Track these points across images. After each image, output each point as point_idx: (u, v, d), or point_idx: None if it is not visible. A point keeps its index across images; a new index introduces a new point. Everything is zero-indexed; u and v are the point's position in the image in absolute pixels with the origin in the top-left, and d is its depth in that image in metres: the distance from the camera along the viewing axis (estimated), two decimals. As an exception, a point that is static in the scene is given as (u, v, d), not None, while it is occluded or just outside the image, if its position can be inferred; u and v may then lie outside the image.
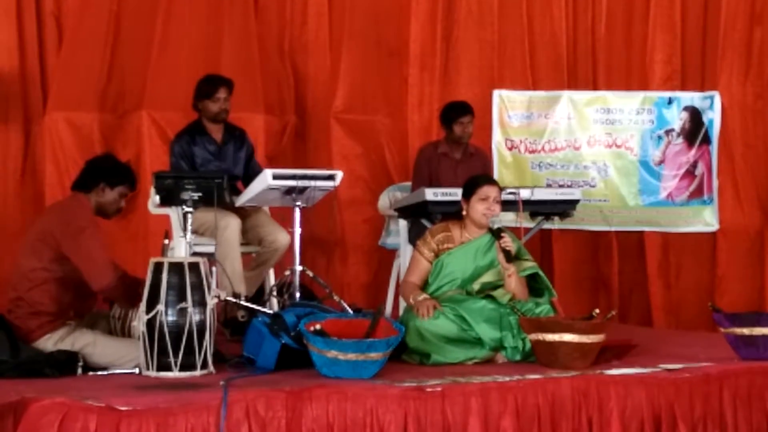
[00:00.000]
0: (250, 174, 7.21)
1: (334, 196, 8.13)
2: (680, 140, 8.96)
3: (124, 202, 5.79)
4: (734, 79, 9.19)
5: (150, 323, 5.16)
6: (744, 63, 9.23)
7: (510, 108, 9.00)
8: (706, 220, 8.94)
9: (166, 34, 8.22)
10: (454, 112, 7.92)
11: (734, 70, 9.20)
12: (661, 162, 8.95)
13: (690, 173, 8.94)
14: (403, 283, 6.23)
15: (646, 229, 9.02)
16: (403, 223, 7.65)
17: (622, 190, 8.93)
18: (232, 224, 6.84)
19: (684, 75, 9.30)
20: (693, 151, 8.94)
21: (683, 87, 9.21)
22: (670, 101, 8.97)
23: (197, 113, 7.31)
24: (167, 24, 8.22)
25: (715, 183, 8.92)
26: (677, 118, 8.99)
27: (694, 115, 8.98)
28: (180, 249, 6.45)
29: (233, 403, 4.49)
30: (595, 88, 9.19)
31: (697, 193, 8.94)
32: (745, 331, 5.73)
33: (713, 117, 8.97)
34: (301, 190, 6.72)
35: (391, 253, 8.11)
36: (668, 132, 8.98)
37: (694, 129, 8.97)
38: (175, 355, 5.15)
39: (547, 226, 7.78)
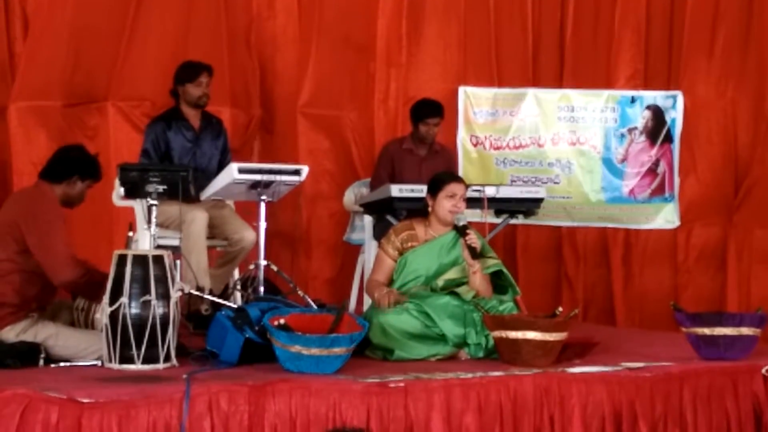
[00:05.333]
0: (223, 167, 7.15)
1: (300, 190, 8.12)
2: (643, 138, 9.02)
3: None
4: (698, 79, 9.26)
5: (113, 315, 5.14)
6: (707, 62, 9.29)
7: (475, 104, 9.02)
8: (667, 217, 9.01)
9: (135, 25, 8.15)
10: (424, 110, 7.89)
11: (698, 69, 9.27)
12: (624, 160, 9.01)
13: (652, 171, 9.01)
14: (368, 281, 6.25)
15: (608, 225, 9.07)
16: (368, 219, 7.65)
17: (584, 187, 8.98)
18: (199, 218, 6.80)
19: (648, 74, 9.34)
20: (655, 150, 9.01)
21: (647, 86, 9.25)
22: (633, 100, 9.03)
23: (174, 100, 7.27)
24: (137, 15, 8.16)
25: (677, 181, 8.99)
26: (640, 117, 9.05)
27: (657, 113, 9.05)
28: (144, 241, 6.43)
29: (196, 396, 4.50)
30: (561, 85, 9.22)
31: (659, 190, 9.01)
32: (706, 330, 5.78)
33: (675, 116, 9.03)
34: (267, 185, 6.70)
35: (356, 249, 8.11)
36: (631, 130, 9.03)
37: (657, 127, 9.03)
38: (138, 348, 5.13)
39: (510, 222, 7.80)
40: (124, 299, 5.13)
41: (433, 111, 7.88)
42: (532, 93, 9.01)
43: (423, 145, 7.93)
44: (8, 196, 6.24)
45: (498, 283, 6.17)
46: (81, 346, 5.41)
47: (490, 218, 7.29)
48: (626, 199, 9.00)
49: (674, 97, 9.05)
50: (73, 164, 5.66)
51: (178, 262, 6.45)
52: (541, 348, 5.42)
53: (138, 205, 6.77)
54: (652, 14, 9.34)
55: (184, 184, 6.18)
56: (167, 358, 5.22)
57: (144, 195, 6.22)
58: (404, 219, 6.62)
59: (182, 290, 5.50)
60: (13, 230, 5.42)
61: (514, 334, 5.43)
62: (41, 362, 5.29)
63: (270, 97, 8.75)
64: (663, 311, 7.94)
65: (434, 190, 6.14)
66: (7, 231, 5.44)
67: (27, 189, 5.83)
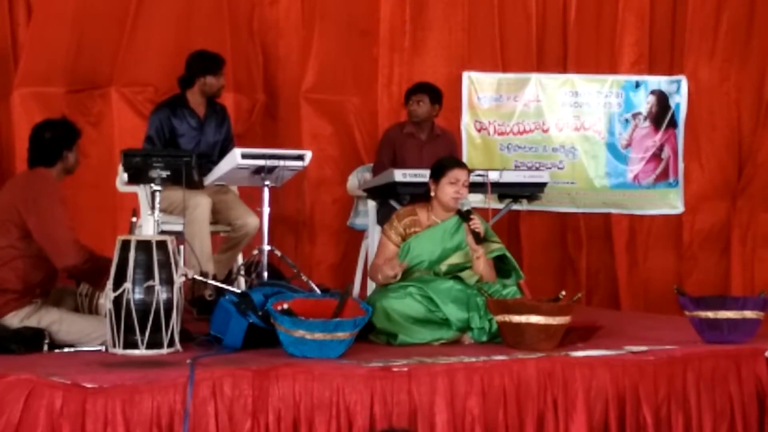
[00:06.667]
0: (226, 153, 7.14)
1: (303, 176, 8.12)
2: (647, 123, 9.02)
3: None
4: (701, 63, 9.23)
5: (117, 301, 5.15)
6: (711, 47, 9.26)
7: (479, 90, 9.02)
8: (671, 202, 9.02)
9: (138, 11, 8.15)
10: (410, 89, 7.93)
11: (701, 53, 9.23)
12: (628, 145, 9.01)
13: (656, 156, 9.00)
14: (372, 266, 6.24)
15: (613, 211, 9.06)
16: (371, 204, 7.65)
17: (589, 173, 8.98)
18: (202, 203, 6.81)
19: (652, 58, 9.31)
20: (659, 135, 9.00)
21: (651, 70, 9.23)
22: (637, 85, 9.02)
23: (180, 86, 7.26)
24: (140, 1, 8.16)
25: (681, 166, 8.98)
26: (644, 102, 9.04)
27: (661, 98, 9.04)
28: (148, 227, 6.42)
29: (200, 381, 4.50)
30: (565, 70, 9.20)
31: (663, 176, 9.00)
32: (710, 314, 5.77)
33: (680, 101, 9.03)
34: (270, 170, 6.70)
35: (360, 234, 8.11)
36: (635, 115, 9.03)
37: (661, 112, 9.03)
38: (142, 333, 5.14)
39: (514, 207, 7.80)
40: (127, 285, 5.14)
41: (417, 88, 7.90)
42: (536, 78, 9.01)
43: (423, 129, 7.91)
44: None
45: (501, 267, 6.17)
46: (85, 332, 5.42)
47: (493, 203, 7.30)
48: (630, 184, 9.00)
49: (678, 82, 9.04)
50: (55, 144, 5.66)
51: (181, 247, 6.44)
52: (544, 332, 5.43)
53: (141, 191, 6.78)
54: (655, -3, 9.33)
55: (187, 170, 6.18)
56: (171, 344, 5.23)
57: (147, 181, 6.23)
58: (407, 204, 6.62)
59: (186, 275, 5.49)
60: (13, 216, 5.42)
61: (517, 318, 5.44)
62: (45, 348, 5.30)
63: (273, 82, 8.75)
64: (667, 296, 7.94)
65: (437, 175, 6.13)
66: (8, 217, 5.44)
67: (24, 173, 5.80)
